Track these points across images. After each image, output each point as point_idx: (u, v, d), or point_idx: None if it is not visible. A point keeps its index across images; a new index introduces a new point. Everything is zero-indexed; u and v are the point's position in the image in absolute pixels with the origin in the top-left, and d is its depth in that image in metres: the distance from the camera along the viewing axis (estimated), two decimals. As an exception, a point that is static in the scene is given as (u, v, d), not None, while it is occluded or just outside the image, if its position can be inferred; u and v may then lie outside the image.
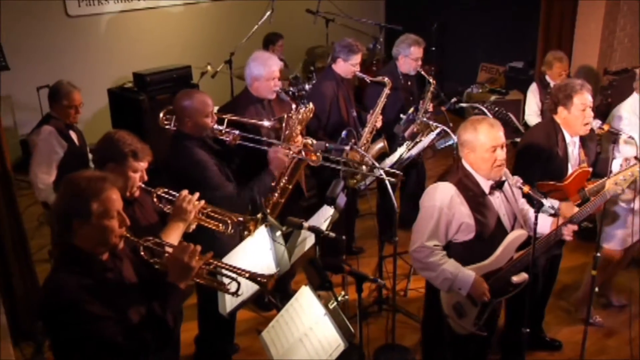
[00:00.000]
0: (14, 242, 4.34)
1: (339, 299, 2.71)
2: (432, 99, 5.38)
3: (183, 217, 3.02)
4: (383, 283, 4.15)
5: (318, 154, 4.13)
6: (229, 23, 8.64)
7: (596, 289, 3.97)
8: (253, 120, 4.02)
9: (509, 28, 8.84)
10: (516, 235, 3.27)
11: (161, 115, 3.92)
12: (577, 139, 3.90)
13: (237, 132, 3.82)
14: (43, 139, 4.54)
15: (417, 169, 5.63)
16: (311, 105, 4.24)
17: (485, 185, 3.25)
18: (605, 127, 3.78)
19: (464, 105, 5.91)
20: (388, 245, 4.73)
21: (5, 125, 4.39)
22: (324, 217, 3.41)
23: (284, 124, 4.07)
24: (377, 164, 4.21)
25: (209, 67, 7.06)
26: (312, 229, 3.03)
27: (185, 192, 3.08)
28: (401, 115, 5.11)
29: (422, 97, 5.44)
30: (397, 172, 4.15)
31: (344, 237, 3.26)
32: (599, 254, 3.76)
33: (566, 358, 4.28)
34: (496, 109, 5.38)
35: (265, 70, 4.18)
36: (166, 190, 3.11)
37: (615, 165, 3.88)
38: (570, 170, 3.83)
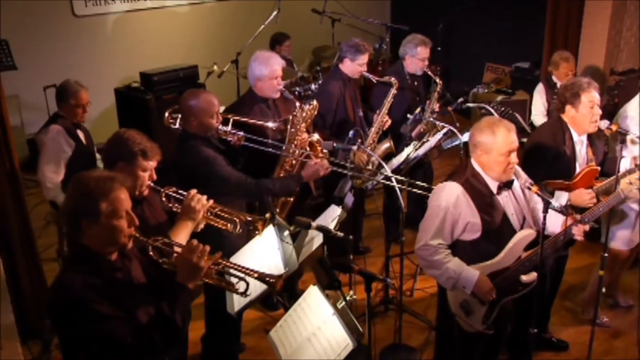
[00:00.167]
0: (22, 241, 4.35)
1: (348, 298, 2.71)
2: (438, 99, 5.39)
3: (192, 216, 3.03)
4: (392, 283, 4.15)
5: (325, 150, 4.16)
6: (235, 23, 8.64)
7: (603, 290, 3.96)
8: (260, 122, 4.03)
9: (514, 28, 8.81)
10: (524, 235, 3.26)
11: (166, 114, 3.93)
12: (584, 138, 3.89)
13: (241, 133, 3.83)
14: (51, 138, 4.55)
15: (423, 168, 5.62)
16: (315, 102, 4.24)
17: (493, 185, 3.25)
18: (614, 128, 3.77)
19: (470, 105, 5.90)
20: (394, 245, 4.74)
21: (12, 125, 4.39)
22: (331, 216, 3.42)
23: (289, 126, 4.08)
24: (384, 164, 4.21)
25: (215, 67, 7.07)
26: (320, 228, 3.04)
27: (194, 191, 3.08)
28: (408, 115, 5.11)
29: (428, 97, 5.45)
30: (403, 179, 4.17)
31: (351, 236, 3.27)
32: (606, 254, 3.76)
33: (573, 359, 4.27)
34: (503, 109, 5.38)
35: (268, 70, 4.18)
36: (175, 189, 3.12)
37: (624, 165, 3.87)
38: (577, 169, 3.83)
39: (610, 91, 6.58)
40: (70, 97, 4.63)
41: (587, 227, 3.34)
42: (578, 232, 3.34)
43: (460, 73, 9.47)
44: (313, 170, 3.89)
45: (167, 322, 2.42)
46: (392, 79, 5.08)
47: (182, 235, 2.95)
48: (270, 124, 4.03)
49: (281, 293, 4.38)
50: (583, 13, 6.94)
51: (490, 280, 3.23)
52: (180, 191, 3.11)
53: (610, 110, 5.58)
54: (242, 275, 2.59)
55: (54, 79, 5.73)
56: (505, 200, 3.28)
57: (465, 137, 4.66)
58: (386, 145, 5.07)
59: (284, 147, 4.03)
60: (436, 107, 5.29)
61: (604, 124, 3.81)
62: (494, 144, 3.14)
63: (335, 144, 4.20)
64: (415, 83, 5.55)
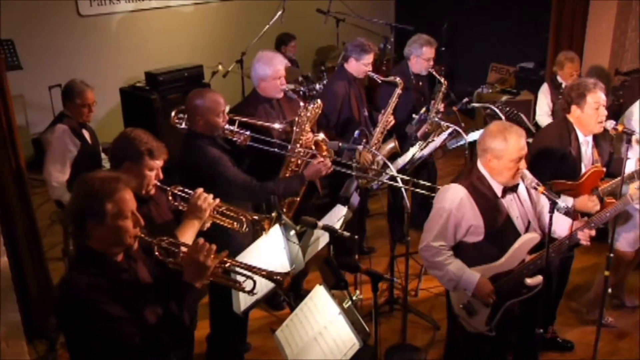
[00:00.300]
0: (28, 240, 4.36)
1: (354, 298, 2.71)
2: (443, 99, 5.39)
3: (198, 215, 3.03)
4: (399, 282, 4.15)
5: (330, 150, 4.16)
6: (239, 23, 8.66)
7: (609, 290, 3.95)
8: (267, 124, 4.03)
9: (519, 28, 8.79)
10: (528, 238, 3.25)
11: (173, 114, 3.94)
12: (590, 139, 3.88)
13: (247, 132, 3.83)
14: (57, 138, 4.56)
15: (427, 168, 5.62)
16: (319, 101, 4.24)
17: (498, 188, 3.25)
18: (620, 128, 3.76)
19: (475, 105, 5.89)
20: (399, 245, 4.73)
21: (17, 124, 4.40)
22: (336, 216, 3.42)
23: (294, 126, 4.09)
24: (389, 164, 4.21)
25: (220, 67, 7.08)
26: (326, 228, 3.04)
27: (200, 190, 3.09)
28: (413, 115, 5.11)
29: (433, 97, 5.44)
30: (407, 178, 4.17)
31: (356, 236, 3.27)
32: (611, 255, 3.75)
33: (578, 359, 4.26)
34: (507, 109, 5.37)
35: (271, 70, 4.19)
36: (181, 188, 3.12)
37: (629, 166, 3.86)
38: (583, 170, 3.82)
39: (615, 91, 6.56)
40: (76, 97, 4.63)
41: (593, 232, 3.32)
42: (584, 237, 3.31)
43: (464, 73, 9.46)
44: (315, 169, 3.89)
45: (174, 322, 2.42)
46: (397, 78, 5.08)
47: (188, 234, 2.96)
48: (276, 125, 4.04)
49: (287, 293, 4.39)
50: (588, 13, 6.91)
51: (492, 283, 3.23)
52: (187, 190, 3.11)
53: (615, 111, 5.57)
54: (249, 273, 2.58)
55: (59, 79, 5.76)
56: (509, 203, 3.27)
57: (470, 137, 4.66)
58: (391, 145, 5.07)
59: (289, 147, 4.03)
60: (441, 107, 5.29)
61: (610, 124, 3.80)
62: (505, 150, 3.12)
63: (340, 144, 4.20)
64: (420, 83, 5.55)
